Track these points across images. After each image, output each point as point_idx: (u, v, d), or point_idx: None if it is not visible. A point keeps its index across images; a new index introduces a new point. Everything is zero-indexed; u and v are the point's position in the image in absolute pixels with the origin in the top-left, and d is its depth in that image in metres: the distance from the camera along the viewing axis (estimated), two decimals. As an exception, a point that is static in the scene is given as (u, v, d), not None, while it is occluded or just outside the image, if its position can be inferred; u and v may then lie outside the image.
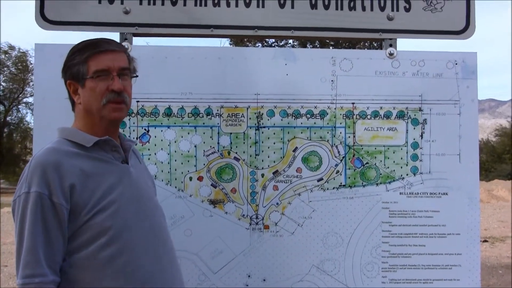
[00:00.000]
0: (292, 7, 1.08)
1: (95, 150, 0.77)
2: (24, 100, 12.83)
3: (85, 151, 0.76)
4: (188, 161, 1.04)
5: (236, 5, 1.07)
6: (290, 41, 4.87)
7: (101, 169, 0.76)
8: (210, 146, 1.05)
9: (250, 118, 1.05)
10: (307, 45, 4.66)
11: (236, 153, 1.05)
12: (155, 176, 1.04)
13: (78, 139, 0.77)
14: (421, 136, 1.07)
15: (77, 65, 0.77)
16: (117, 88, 0.76)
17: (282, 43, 4.95)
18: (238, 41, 4.52)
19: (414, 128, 1.07)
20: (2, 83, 12.31)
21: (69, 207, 0.72)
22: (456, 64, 1.08)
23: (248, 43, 4.81)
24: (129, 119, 1.03)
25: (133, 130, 1.04)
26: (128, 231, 0.75)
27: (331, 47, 4.46)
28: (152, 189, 0.85)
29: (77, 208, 0.72)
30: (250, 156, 1.05)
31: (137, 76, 0.82)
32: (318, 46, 4.76)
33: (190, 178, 1.04)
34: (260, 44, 4.92)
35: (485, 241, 4.48)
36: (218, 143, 1.05)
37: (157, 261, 0.77)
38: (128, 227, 0.75)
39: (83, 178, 0.73)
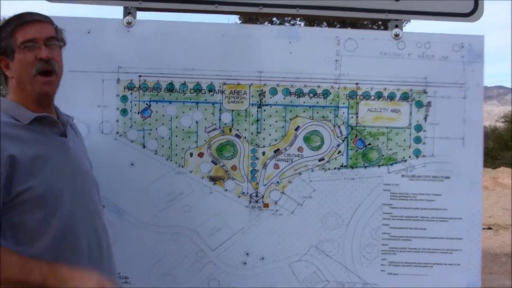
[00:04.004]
0: (298, -15, 1.07)
1: (33, 124, 0.78)
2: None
3: (23, 123, 0.77)
4: (189, 137, 1.03)
5: (242, -18, 1.07)
6: (298, 21, 4.81)
7: (40, 142, 0.77)
8: (212, 123, 1.04)
9: (252, 96, 1.04)
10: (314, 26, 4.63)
11: (238, 130, 1.04)
12: (156, 151, 1.03)
13: (17, 115, 0.78)
14: (425, 118, 1.05)
15: (5, 39, 0.79)
16: (44, 56, 0.78)
17: (289, 24, 4.89)
18: (246, 19, 4.48)
19: (418, 111, 1.06)
20: None
21: (7, 176, 0.72)
22: (463, 47, 1.07)
23: (256, 22, 4.76)
24: (131, 93, 1.03)
25: (135, 105, 1.03)
26: (63, 202, 0.76)
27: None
28: (88, 162, 0.87)
29: (14, 176, 0.72)
30: (252, 133, 1.04)
31: (65, 44, 0.84)
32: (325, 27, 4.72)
33: (191, 154, 1.04)
34: (269, 24, 4.87)
35: (489, 228, 4.40)
36: (219, 120, 1.04)
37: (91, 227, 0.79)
38: (64, 198, 0.76)
39: (22, 148, 0.74)
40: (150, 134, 1.04)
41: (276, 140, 1.04)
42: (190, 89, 1.04)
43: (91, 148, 0.92)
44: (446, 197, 1.05)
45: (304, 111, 1.05)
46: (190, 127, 1.04)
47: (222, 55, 1.05)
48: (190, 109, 1.04)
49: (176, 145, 1.03)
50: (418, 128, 1.05)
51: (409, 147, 1.05)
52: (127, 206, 1.02)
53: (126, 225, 1.02)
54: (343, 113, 1.05)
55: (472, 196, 1.05)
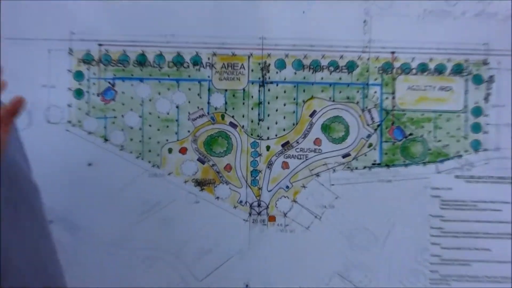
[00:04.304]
0: None
1: None
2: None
3: None
4: (168, 126, 0.77)
5: None
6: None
7: None
8: (198, 107, 0.77)
9: (252, 70, 0.78)
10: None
11: (233, 117, 0.77)
12: (122, 146, 0.77)
13: None
14: (486, 99, 0.78)
15: None
16: None
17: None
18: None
19: (477, 88, 0.78)
20: None
21: None
22: (534, 3, 0.80)
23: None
24: (87, 69, 0.76)
25: (93, 84, 0.76)
26: None
27: None
28: (26, 163, 0.61)
29: None
30: (252, 121, 0.77)
31: None
32: None
33: (170, 150, 0.77)
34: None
35: None
36: (208, 103, 0.77)
37: None
38: None
39: None
40: (114, 123, 0.77)
41: (284, 130, 0.77)
42: (169, 62, 0.77)
43: (33, 143, 0.66)
44: (516, 205, 0.78)
45: (322, 91, 0.78)
46: (168, 114, 0.77)
47: (212, 16, 0.78)
48: (168, 89, 0.77)
49: (150, 138, 0.77)
50: (477, 111, 0.78)
51: (465, 138, 0.78)
52: (83, 220, 0.76)
53: (82, 246, 0.75)
54: (375, 92, 0.78)
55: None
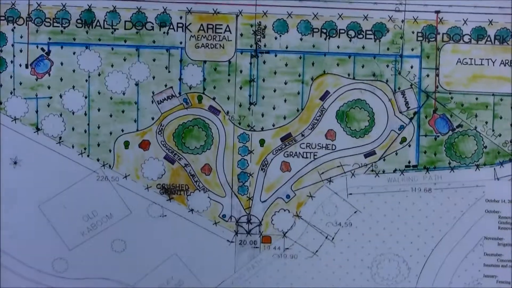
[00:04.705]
0: None
1: None
2: None
3: None
4: (123, 111, 0.55)
5: None
6: None
7: None
8: (165, 86, 0.56)
9: (242, 35, 0.56)
10: None
11: (214, 99, 0.56)
12: (60, 138, 0.56)
13: None
14: None
15: None
16: None
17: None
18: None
19: (553, 63, 0.57)
20: None
21: None
22: None
23: None
24: (12, 30, 0.55)
25: (20, 51, 0.55)
26: None
27: None
28: None
29: None
30: (240, 106, 0.56)
31: None
32: None
33: (126, 144, 0.56)
34: None
35: None
36: (180, 79, 0.56)
37: None
38: None
39: None
40: (49, 106, 0.56)
41: (285, 119, 0.56)
42: (126, 21, 0.56)
43: None
44: None
45: (338, 64, 0.56)
46: (124, 94, 0.56)
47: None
48: (124, 60, 0.56)
49: (99, 127, 0.56)
50: (552, 95, 0.57)
51: (535, 132, 0.56)
52: (7, 241, 0.55)
53: (5, 274, 0.55)
54: (412, 67, 0.56)
55: None
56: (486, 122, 0.56)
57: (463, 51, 0.56)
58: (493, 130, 0.56)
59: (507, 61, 0.56)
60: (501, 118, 0.56)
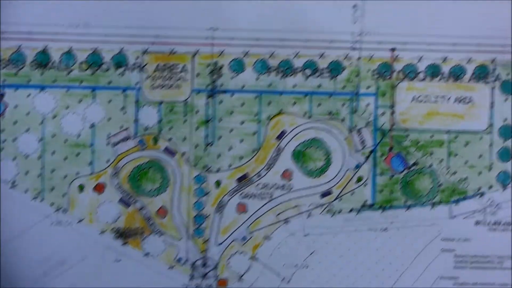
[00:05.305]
0: None
1: None
2: None
3: None
4: (78, 154, 0.55)
5: None
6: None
7: None
8: (121, 127, 0.56)
9: (198, 75, 0.56)
10: None
11: (170, 140, 0.55)
12: (14, 182, 0.55)
13: None
14: (520, 115, 0.57)
15: None
16: None
17: None
18: None
19: (506, 100, 0.57)
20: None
21: None
22: None
23: None
24: (-36, 72, 0.54)
25: (-28, 93, 0.54)
26: None
27: None
28: None
29: None
30: (197, 147, 0.56)
31: None
32: None
33: (81, 188, 0.55)
34: None
35: None
36: (135, 121, 0.55)
37: None
38: None
39: None
40: (2, 149, 0.55)
41: (241, 159, 0.56)
42: (82, 62, 0.55)
43: None
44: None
45: (295, 103, 0.56)
46: (79, 136, 0.55)
47: (140, -1, 0.55)
48: (80, 101, 0.55)
49: (54, 171, 0.55)
50: (507, 132, 0.57)
51: (490, 169, 0.57)
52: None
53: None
54: (368, 105, 0.56)
55: None
56: (441, 160, 0.56)
57: (418, 88, 0.56)
58: (448, 168, 0.56)
59: (461, 98, 0.56)
60: (456, 155, 0.56)
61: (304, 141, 0.55)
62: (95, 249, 0.54)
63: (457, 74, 0.56)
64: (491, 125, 0.56)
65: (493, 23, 0.56)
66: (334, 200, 0.55)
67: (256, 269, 0.55)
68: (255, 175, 0.55)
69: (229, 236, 0.55)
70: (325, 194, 0.55)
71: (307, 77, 0.55)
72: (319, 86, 0.55)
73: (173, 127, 0.55)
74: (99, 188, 0.55)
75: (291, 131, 0.55)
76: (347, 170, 0.56)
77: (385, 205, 0.56)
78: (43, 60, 0.55)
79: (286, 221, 0.55)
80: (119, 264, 0.54)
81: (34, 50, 0.55)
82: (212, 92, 0.55)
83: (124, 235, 0.54)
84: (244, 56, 0.55)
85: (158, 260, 0.54)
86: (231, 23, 0.55)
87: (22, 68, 0.54)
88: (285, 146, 0.55)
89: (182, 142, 0.55)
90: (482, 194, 0.56)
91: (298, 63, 0.55)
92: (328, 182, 0.56)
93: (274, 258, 0.55)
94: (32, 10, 0.54)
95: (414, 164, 0.56)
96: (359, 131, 0.56)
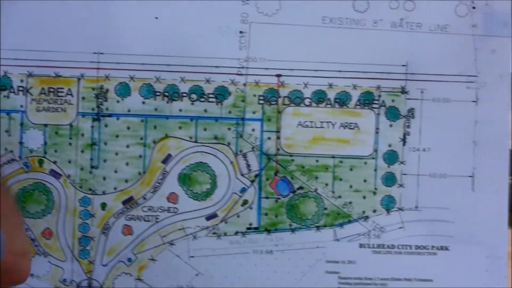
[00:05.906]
0: None
1: None
2: None
3: None
4: (-37, 176, 0.55)
5: None
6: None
7: None
8: (5, 149, 0.56)
9: (83, 98, 0.56)
10: None
11: (56, 163, 0.56)
12: None
13: None
14: (403, 140, 0.58)
15: None
16: None
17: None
18: None
19: (391, 126, 0.58)
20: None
21: None
22: (474, 8, 0.59)
23: None
24: None
25: None
26: None
27: None
28: None
29: None
30: (82, 169, 0.56)
31: None
32: None
33: (-34, 209, 0.56)
34: None
35: None
36: (20, 143, 0.56)
37: None
38: None
39: None
40: None
41: (127, 182, 0.56)
42: (-34, 85, 0.55)
43: None
44: (445, 282, 0.58)
45: (180, 127, 0.56)
46: (-36, 158, 0.56)
47: (26, 19, 0.55)
48: (-35, 124, 0.56)
49: None
50: (391, 157, 0.58)
51: (374, 193, 0.57)
52: None
53: None
54: (254, 130, 0.57)
55: (492, 277, 0.58)
56: (326, 184, 0.57)
57: (304, 114, 0.56)
58: (333, 192, 0.57)
59: (346, 124, 0.57)
60: (341, 180, 0.57)
61: (190, 165, 0.56)
62: (-23, 271, 0.54)
63: (342, 100, 0.56)
64: (375, 151, 0.57)
65: (378, 50, 0.56)
66: (220, 223, 0.56)
67: (139, 291, 0.55)
68: (141, 197, 0.56)
69: (114, 258, 0.56)
70: (211, 217, 0.56)
71: (193, 101, 0.56)
72: (205, 110, 0.56)
73: (58, 150, 0.55)
74: (-17, 211, 0.55)
75: (177, 155, 0.56)
76: (232, 194, 0.56)
77: (270, 228, 0.56)
78: None
79: (171, 243, 0.56)
80: (1, 286, 0.54)
81: None
82: (98, 116, 0.55)
83: (7, 257, 0.54)
84: (130, 80, 0.55)
85: (42, 280, 0.55)
86: (117, 47, 0.55)
87: None
88: (171, 169, 0.56)
89: (68, 165, 0.55)
90: (366, 218, 0.57)
91: (184, 87, 0.56)
92: (214, 205, 0.56)
93: (159, 279, 0.56)
94: None
95: (300, 188, 0.57)
96: (244, 155, 0.56)
